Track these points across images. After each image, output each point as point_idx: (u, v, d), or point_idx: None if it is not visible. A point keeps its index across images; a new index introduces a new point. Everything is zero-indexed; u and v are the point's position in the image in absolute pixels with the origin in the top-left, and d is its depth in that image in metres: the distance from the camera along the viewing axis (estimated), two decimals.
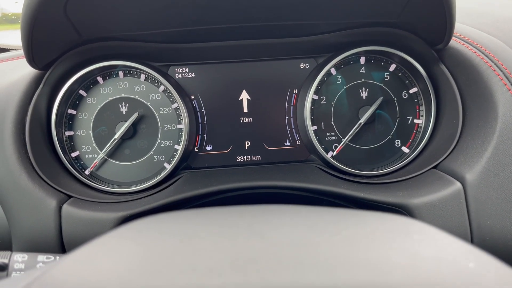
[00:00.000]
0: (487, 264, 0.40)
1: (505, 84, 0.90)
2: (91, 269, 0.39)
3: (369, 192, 0.94)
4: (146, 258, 0.40)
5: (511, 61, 0.93)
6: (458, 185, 0.88)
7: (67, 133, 1.06)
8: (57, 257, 0.71)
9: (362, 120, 1.07)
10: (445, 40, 0.96)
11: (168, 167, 1.06)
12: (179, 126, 1.08)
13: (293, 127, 1.12)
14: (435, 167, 0.99)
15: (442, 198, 0.87)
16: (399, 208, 0.90)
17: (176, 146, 1.07)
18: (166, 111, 1.08)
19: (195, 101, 1.11)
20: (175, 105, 1.07)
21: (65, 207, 0.89)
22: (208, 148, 1.12)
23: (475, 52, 0.96)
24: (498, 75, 0.91)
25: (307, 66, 1.12)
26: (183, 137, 1.06)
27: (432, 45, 1.01)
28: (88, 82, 1.07)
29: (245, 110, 1.11)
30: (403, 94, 1.10)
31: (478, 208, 0.85)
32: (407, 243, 0.41)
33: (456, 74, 1.01)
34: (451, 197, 0.87)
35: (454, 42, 1.00)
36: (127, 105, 1.07)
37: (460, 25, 1.05)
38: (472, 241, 0.85)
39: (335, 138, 1.10)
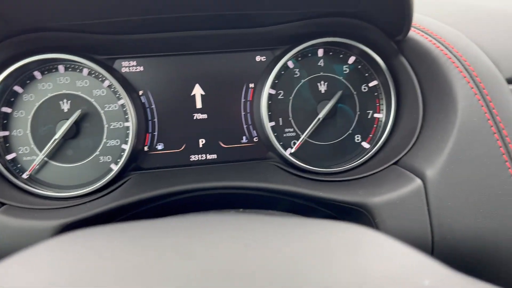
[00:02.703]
0: (444, 279, 0.36)
1: (465, 77, 0.87)
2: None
3: (328, 190, 0.90)
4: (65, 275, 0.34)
5: (470, 52, 0.90)
6: (418, 182, 0.84)
7: (2, 133, 0.97)
8: None
9: (321, 115, 1.02)
10: (404, 31, 0.92)
11: (115, 168, 0.98)
12: (126, 124, 1.00)
13: (250, 123, 1.06)
14: (395, 163, 0.95)
15: (402, 196, 0.84)
16: (358, 207, 0.86)
17: (123, 146, 1.00)
18: (112, 108, 1.00)
19: (144, 96, 1.03)
20: (121, 102, 0.99)
21: None
22: (159, 147, 1.04)
23: (435, 44, 0.93)
24: (458, 67, 0.88)
25: (263, 59, 1.06)
26: (130, 135, 0.98)
27: (392, 36, 0.97)
28: (24, 77, 0.97)
29: (199, 105, 1.05)
30: (363, 87, 1.06)
31: (439, 205, 0.82)
32: (355, 259, 0.36)
33: (416, 67, 0.97)
34: (411, 194, 0.83)
35: (414, 34, 0.97)
36: (69, 102, 0.99)
37: (420, 16, 1.01)
38: (432, 239, 0.82)
39: (293, 134, 1.05)
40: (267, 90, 1.01)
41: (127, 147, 0.98)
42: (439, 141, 0.87)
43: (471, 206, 0.81)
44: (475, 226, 0.80)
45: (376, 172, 0.96)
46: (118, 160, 0.99)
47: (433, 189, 0.83)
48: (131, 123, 0.98)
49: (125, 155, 0.98)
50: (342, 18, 0.98)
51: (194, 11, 0.94)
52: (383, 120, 1.05)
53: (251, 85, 1.06)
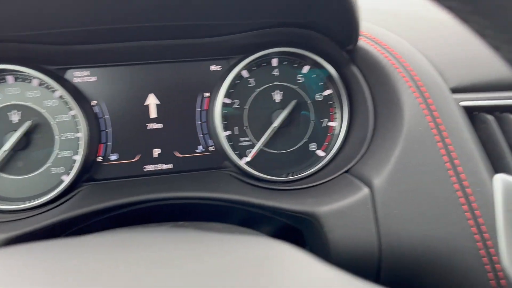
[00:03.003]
0: None
1: (411, 86, 0.88)
2: None
3: (280, 200, 0.90)
4: None
5: (416, 62, 0.92)
6: (366, 190, 0.85)
7: None
8: None
9: (276, 124, 1.03)
10: (353, 41, 0.93)
11: (67, 179, 0.96)
12: (77, 134, 0.99)
13: (205, 132, 1.06)
14: (347, 171, 0.96)
15: (349, 204, 0.85)
16: (307, 216, 0.86)
17: (75, 157, 0.98)
18: (64, 118, 0.99)
19: (97, 107, 1.02)
20: (73, 112, 0.98)
21: None
22: (113, 157, 1.03)
23: (383, 54, 0.94)
24: (404, 77, 0.90)
25: (218, 68, 1.06)
26: (82, 146, 0.97)
27: (343, 46, 0.99)
28: None
29: (153, 115, 1.04)
30: (317, 96, 1.07)
31: (386, 213, 0.83)
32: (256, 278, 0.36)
33: (367, 76, 0.99)
34: (358, 203, 0.84)
35: (364, 43, 0.98)
36: (19, 113, 0.97)
37: (370, 25, 1.03)
38: (380, 247, 0.83)
39: (249, 143, 1.05)
40: (220, 99, 1.01)
41: (78, 158, 0.97)
42: (387, 149, 0.88)
43: (416, 213, 0.82)
44: (420, 233, 0.82)
45: (328, 181, 0.97)
46: (70, 171, 0.98)
47: (380, 197, 0.84)
48: (82, 134, 0.97)
49: (76, 166, 0.97)
50: (294, 28, 0.99)
51: (146, 21, 0.94)
52: (337, 128, 1.06)
53: (206, 95, 1.06)
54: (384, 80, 0.93)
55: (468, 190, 0.82)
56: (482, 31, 0.36)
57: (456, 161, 0.83)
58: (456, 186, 0.82)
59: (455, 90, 0.90)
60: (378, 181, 0.85)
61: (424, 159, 0.84)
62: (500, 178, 0.52)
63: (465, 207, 0.81)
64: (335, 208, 0.84)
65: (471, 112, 0.90)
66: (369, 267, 0.84)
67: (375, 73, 0.95)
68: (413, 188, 0.83)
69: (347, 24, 0.89)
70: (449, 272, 0.80)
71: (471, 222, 0.80)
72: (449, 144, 0.84)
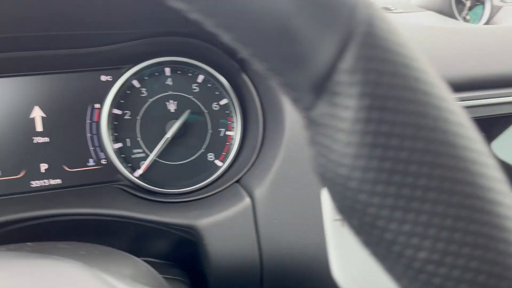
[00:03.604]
0: None
1: None
2: None
3: (163, 213, 0.88)
4: None
5: None
6: (247, 200, 0.84)
7: None
8: None
9: (169, 134, 1.00)
10: None
11: None
12: None
13: (97, 145, 1.02)
14: (237, 181, 0.95)
15: (231, 216, 0.83)
16: (188, 229, 0.84)
17: None
18: None
19: None
20: None
21: None
22: None
23: None
24: None
25: (109, 78, 1.02)
26: None
27: (232, 55, 0.98)
28: None
29: (39, 129, 0.99)
30: (213, 105, 1.06)
31: (266, 223, 0.83)
32: None
33: (257, 84, 0.98)
34: (240, 214, 0.83)
35: None
36: None
37: None
38: (261, 257, 0.82)
39: (143, 155, 1.02)
40: (106, 109, 0.98)
41: None
42: (270, 158, 0.88)
43: (295, 223, 0.82)
44: (298, 242, 0.81)
45: (220, 191, 0.95)
46: None
47: (261, 207, 0.83)
48: None
49: None
50: (182, 38, 0.98)
51: (29, 30, 0.90)
52: (235, 138, 1.05)
53: (97, 106, 1.02)
54: (271, 87, 0.93)
55: None
56: None
57: None
58: None
59: None
60: (259, 190, 0.84)
61: (303, 167, 0.84)
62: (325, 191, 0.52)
63: None
64: (215, 220, 0.83)
65: None
66: (252, 278, 0.83)
67: (264, 81, 0.95)
68: (292, 196, 0.83)
69: None
70: (325, 279, 0.80)
71: None
72: None
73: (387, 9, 1.13)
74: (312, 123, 0.32)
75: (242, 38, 0.32)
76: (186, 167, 1.05)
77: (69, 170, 1.02)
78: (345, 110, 0.29)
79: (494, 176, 0.31)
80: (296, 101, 0.32)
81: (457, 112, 0.31)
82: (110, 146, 0.98)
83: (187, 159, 1.05)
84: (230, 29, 0.31)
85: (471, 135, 0.30)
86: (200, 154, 1.05)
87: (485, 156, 0.31)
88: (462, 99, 0.83)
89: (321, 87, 0.30)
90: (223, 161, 1.06)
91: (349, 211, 0.32)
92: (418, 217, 0.29)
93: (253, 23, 0.30)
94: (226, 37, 0.32)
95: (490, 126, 0.95)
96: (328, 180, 0.31)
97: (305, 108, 0.32)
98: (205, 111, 1.05)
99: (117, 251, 0.69)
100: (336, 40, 0.29)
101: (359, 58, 0.29)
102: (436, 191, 0.29)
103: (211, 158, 1.06)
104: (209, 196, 0.95)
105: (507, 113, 0.87)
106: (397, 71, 0.29)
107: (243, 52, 0.33)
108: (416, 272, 0.30)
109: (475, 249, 0.29)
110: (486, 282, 0.29)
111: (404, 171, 0.29)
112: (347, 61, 0.29)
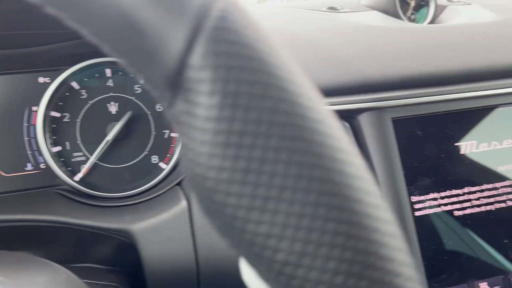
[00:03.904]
0: None
1: None
2: None
3: (98, 218, 0.86)
4: None
5: None
6: (184, 203, 0.83)
7: None
8: None
9: (109, 137, 0.98)
10: None
11: None
12: None
13: (35, 149, 0.99)
14: (178, 184, 0.94)
15: (166, 219, 0.82)
16: (123, 234, 0.82)
17: None
18: None
19: None
20: None
21: None
22: None
23: None
24: None
25: (47, 80, 1.00)
26: None
27: None
28: None
29: None
30: (157, 107, 1.04)
31: (202, 226, 0.81)
32: None
33: None
34: (175, 217, 0.82)
35: None
36: None
37: None
38: (197, 260, 0.81)
39: (83, 158, 1.00)
40: (42, 112, 0.95)
41: None
42: None
43: None
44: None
45: (160, 194, 0.94)
46: None
47: (197, 210, 0.82)
48: None
49: None
50: None
51: None
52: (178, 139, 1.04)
53: (35, 108, 0.99)
54: None
55: None
56: None
57: None
58: None
59: None
60: None
61: None
62: None
63: None
64: (150, 224, 0.81)
65: None
66: (189, 281, 0.81)
67: None
68: None
69: None
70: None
71: None
72: None
73: (334, 8, 1.14)
74: (174, 122, 0.31)
75: (97, 33, 0.31)
76: (129, 170, 1.03)
77: (5, 175, 0.98)
78: (198, 107, 0.28)
79: (352, 165, 0.30)
80: (159, 98, 0.31)
81: (315, 109, 0.30)
82: (47, 150, 0.96)
83: (130, 162, 1.03)
84: (84, 23, 0.30)
85: (330, 132, 0.30)
86: (144, 156, 1.03)
87: (344, 152, 0.30)
88: (397, 98, 0.83)
89: (175, 83, 0.29)
90: (167, 163, 1.04)
91: (210, 212, 0.31)
92: (274, 218, 0.28)
93: (102, 16, 0.29)
94: (84, 33, 0.31)
95: (429, 125, 0.95)
96: (189, 179, 0.31)
97: (166, 106, 0.31)
98: (148, 112, 1.03)
99: (36, 259, 0.67)
100: (184, 34, 0.28)
101: (207, 53, 0.28)
102: (292, 190, 0.28)
103: (155, 160, 1.04)
104: (148, 199, 0.93)
105: (442, 112, 0.87)
106: (249, 67, 0.28)
107: (103, 48, 0.32)
108: (276, 274, 0.30)
109: (333, 248, 0.28)
110: (345, 282, 0.29)
111: (258, 170, 0.28)
112: (196, 57, 0.28)
